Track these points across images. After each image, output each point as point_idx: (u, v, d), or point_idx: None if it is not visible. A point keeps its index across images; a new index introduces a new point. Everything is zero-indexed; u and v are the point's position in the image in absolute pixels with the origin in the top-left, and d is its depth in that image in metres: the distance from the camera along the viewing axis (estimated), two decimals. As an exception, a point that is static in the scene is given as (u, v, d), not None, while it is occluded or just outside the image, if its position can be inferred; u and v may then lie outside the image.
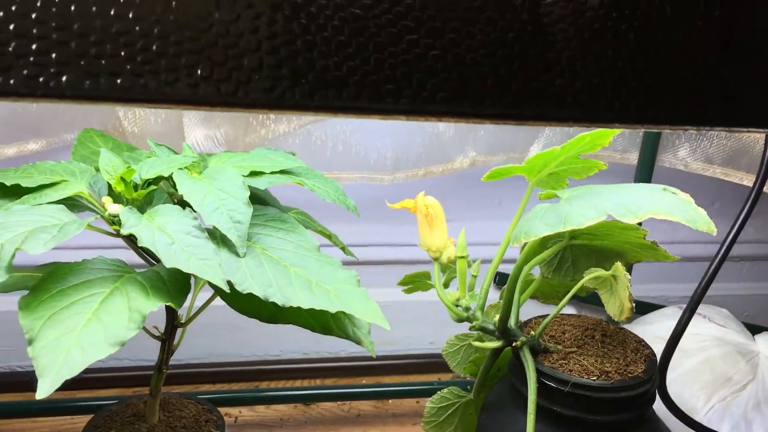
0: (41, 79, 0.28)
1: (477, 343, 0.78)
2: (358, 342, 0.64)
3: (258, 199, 0.74)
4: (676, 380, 1.20)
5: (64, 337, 0.51)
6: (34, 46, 0.28)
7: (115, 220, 0.65)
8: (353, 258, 0.88)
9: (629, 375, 0.73)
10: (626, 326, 1.11)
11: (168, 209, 0.64)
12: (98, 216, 0.66)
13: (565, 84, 0.32)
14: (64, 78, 0.29)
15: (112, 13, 0.28)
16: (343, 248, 0.85)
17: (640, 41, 0.32)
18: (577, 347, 0.78)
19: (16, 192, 0.66)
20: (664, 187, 0.64)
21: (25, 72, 0.28)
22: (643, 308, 1.40)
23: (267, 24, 0.29)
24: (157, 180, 0.68)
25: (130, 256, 0.69)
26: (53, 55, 0.28)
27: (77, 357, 0.50)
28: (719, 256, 0.88)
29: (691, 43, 0.33)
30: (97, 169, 0.69)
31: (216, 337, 1.32)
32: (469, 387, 0.85)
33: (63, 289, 0.57)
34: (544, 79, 0.32)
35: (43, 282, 0.57)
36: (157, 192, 0.72)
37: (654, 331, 1.27)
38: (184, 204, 0.67)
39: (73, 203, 0.68)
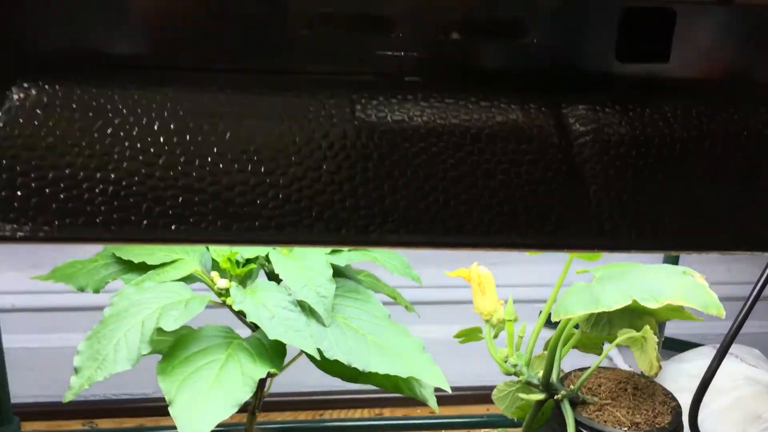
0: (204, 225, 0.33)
1: (523, 395, 0.90)
2: (424, 401, 0.77)
3: (337, 271, 0.88)
4: (708, 417, 1.30)
5: (195, 400, 0.65)
6: (196, 198, 0.33)
7: (222, 293, 0.79)
8: (415, 312, 1.01)
9: (656, 426, 0.84)
10: (664, 363, 1.22)
11: (267, 285, 0.78)
12: (210, 289, 0.80)
13: (594, 215, 0.35)
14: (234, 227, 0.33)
15: (250, 178, 0.33)
16: (406, 306, 0.98)
17: (657, 176, 0.36)
18: (611, 399, 0.89)
19: (142, 267, 0.81)
20: (684, 270, 0.75)
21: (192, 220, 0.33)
22: (680, 346, 1.49)
23: (362, 171, 0.33)
24: (255, 258, 0.82)
25: (219, 314, 0.83)
26: (209, 206, 0.32)
27: (206, 418, 0.64)
28: (752, 297, 0.96)
29: (691, 176, 0.35)
30: (207, 247, 0.83)
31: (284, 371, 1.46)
32: (516, 420, 0.97)
33: (188, 356, 0.71)
34: (577, 211, 0.34)
35: (172, 350, 0.71)
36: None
37: (689, 369, 1.37)
38: (275, 276, 0.80)
39: (188, 276, 0.82)
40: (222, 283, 0.80)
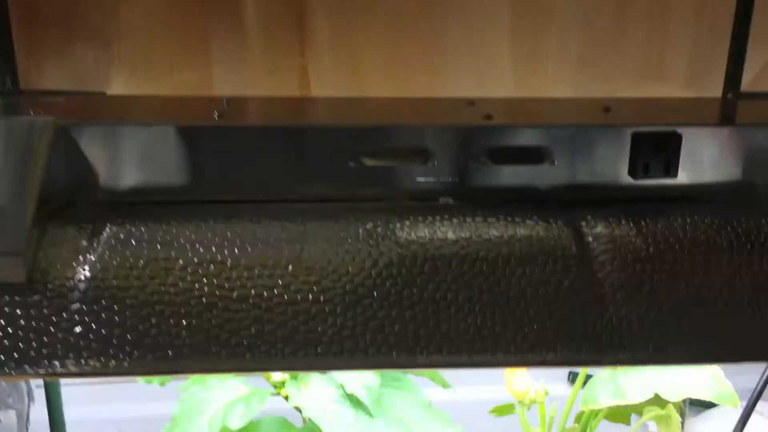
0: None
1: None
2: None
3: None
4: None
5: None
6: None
7: (278, 385, 0.87)
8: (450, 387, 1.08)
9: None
10: (691, 420, 1.27)
11: (318, 380, 0.86)
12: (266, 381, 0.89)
13: (615, 331, 0.37)
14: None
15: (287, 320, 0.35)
16: (442, 384, 1.05)
17: (671, 290, 0.37)
18: (639, 473, 0.95)
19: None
20: (702, 360, 0.82)
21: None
22: (708, 404, 1.54)
23: (408, 296, 0.36)
24: (306, 352, 0.90)
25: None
26: (278, 334, 0.35)
27: None
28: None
29: (702, 288, 0.37)
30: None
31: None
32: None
33: (254, 449, 0.79)
34: (598, 328, 0.36)
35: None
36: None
37: (716, 428, 1.42)
38: (325, 366, 0.88)
39: (245, 370, 0.90)
40: (277, 376, 0.88)
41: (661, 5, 0.53)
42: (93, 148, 0.37)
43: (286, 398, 0.87)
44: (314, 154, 0.38)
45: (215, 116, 0.40)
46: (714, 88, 0.53)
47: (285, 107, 0.48)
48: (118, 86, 0.52)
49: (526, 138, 0.40)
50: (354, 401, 0.85)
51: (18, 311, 0.33)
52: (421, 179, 0.39)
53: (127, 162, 0.37)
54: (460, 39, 0.53)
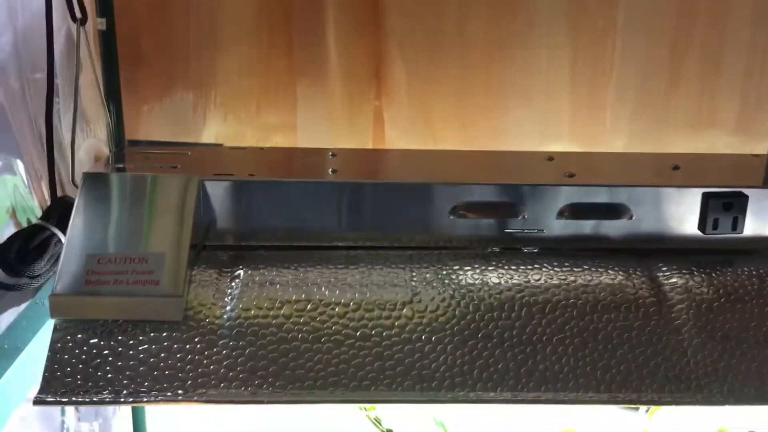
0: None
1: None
2: None
3: None
4: None
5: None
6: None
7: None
8: None
9: None
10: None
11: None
12: None
13: (692, 374, 0.38)
14: None
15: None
16: None
17: (742, 335, 0.40)
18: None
19: None
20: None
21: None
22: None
23: (508, 338, 0.38)
24: None
25: None
26: (397, 369, 0.37)
27: None
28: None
29: None
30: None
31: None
32: None
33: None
34: (677, 371, 0.38)
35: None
36: None
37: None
38: None
39: None
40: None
41: (713, 63, 0.57)
42: (224, 199, 0.42)
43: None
44: (418, 207, 0.43)
45: (330, 172, 0.45)
46: (759, 137, 0.57)
47: (380, 160, 0.53)
48: (211, 128, 0.57)
49: (607, 196, 0.44)
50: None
51: (176, 346, 0.37)
52: (511, 230, 0.44)
53: (253, 211, 0.43)
54: (523, 91, 0.57)
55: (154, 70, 0.56)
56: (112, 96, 0.54)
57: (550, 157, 0.50)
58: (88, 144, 0.54)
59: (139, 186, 0.41)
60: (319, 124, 0.58)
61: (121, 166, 0.46)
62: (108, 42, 0.52)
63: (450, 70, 0.57)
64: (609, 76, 0.57)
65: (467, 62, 0.57)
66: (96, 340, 0.37)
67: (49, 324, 0.38)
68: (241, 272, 0.41)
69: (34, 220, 0.48)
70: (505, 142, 0.58)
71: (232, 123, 0.57)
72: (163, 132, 0.57)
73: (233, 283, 0.40)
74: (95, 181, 0.41)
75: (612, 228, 0.44)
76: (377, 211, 0.43)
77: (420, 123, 0.58)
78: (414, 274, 0.42)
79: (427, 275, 0.42)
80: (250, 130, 0.58)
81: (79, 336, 0.37)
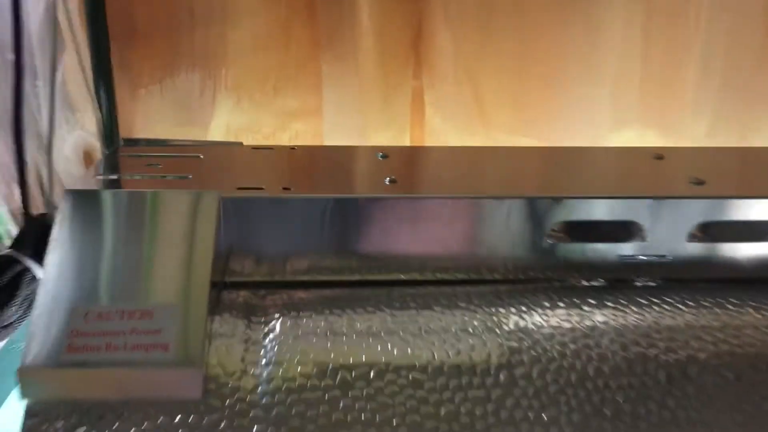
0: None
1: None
2: None
3: None
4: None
5: None
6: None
7: None
8: None
9: None
10: None
11: None
12: None
13: None
14: None
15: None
16: None
17: None
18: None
19: None
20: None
21: None
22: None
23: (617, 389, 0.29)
24: None
25: None
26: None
27: None
28: None
29: None
30: None
31: None
32: None
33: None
34: None
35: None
36: None
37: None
38: None
39: None
40: None
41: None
42: (251, 221, 0.32)
43: None
44: (506, 229, 0.33)
45: (387, 182, 0.35)
46: None
47: (442, 162, 0.41)
48: (221, 115, 0.48)
49: (758, 211, 0.33)
50: None
51: None
52: (624, 256, 0.34)
53: (289, 235, 0.33)
54: (591, 64, 0.48)
55: (152, 47, 0.47)
56: (102, 79, 0.45)
57: (659, 155, 0.40)
58: (74, 138, 0.45)
59: (140, 207, 0.31)
60: (348, 109, 0.49)
61: (115, 177, 0.35)
62: (96, 14, 0.43)
63: (505, 40, 0.48)
64: (691, 48, 0.48)
65: (526, 30, 0.47)
66: (85, 429, 0.27)
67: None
68: (278, 323, 0.31)
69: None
70: (569, 127, 0.49)
71: (245, 108, 0.48)
72: (164, 121, 0.47)
73: (268, 340, 0.30)
74: (80, 201, 0.31)
75: (762, 252, 0.34)
76: (452, 234, 0.33)
77: (468, 105, 0.49)
78: (505, 320, 0.32)
79: (523, 322, 0.32)
80: (266, 116, 0.49)
81: (61, 423, 0.27)
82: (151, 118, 0.47)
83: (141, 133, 0.47)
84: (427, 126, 0.50)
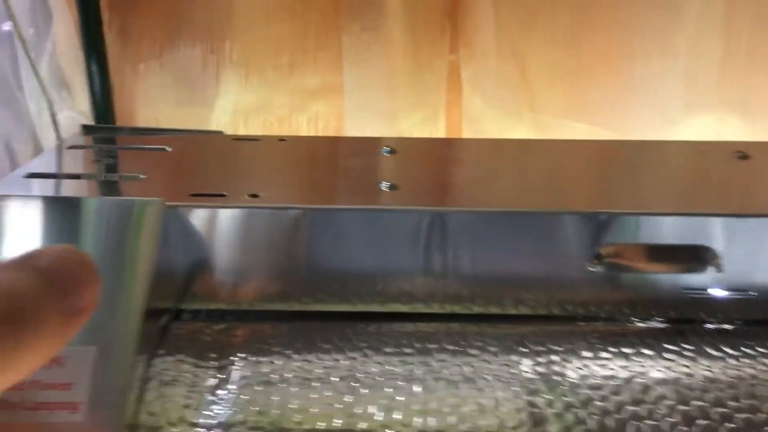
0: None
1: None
2: None
3: None
4: None
5: None
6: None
7: None
8: None
9: None
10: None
11: None
12: None
13: None
14: None
15: None
16: None
17: None
18: None
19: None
20: None
21: None
22: None
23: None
24: None
25: None
26: None
27: None
28: None
29: None
30: None
31: None
32: None
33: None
34: None
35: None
36: None
37: None
38: None
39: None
40: None
41: None
42: (208, 236, 0.26)
43: None
44: (539, 251, 0.26)
45: (385, 188, 0.28)
46: None
47: (461, 159, 0.34)
48: (227, 93, 0.42)
49: None
50: None
51: None
52: (692, 290, 0.27)
53: (250, 253, 0.27)
54: (659, 36, 0.41)
55: (150, 15, 0.41)
56: (94, 51, 0.40)
57: (743, 153, 0.32)
58: (64, 118, 0.41)
59: (57, 218, 0.25)
60: (374, 87, 0.43)
61: (47, 177, 0.28)
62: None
63: (556, 8, 0.41)
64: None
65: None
66: None
67: None
68: (236, 368, 0.25)
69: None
70: (632, 111, 0.41)
71: (255, 86, 0.43)
72: (163, 99, 0.42)
73: (221, 391, 0.24)
74: None
75: None
76: (464, 256, 0.26)
77: (512, 84, 0.42)
78: (528, 374, 0.24)
79: (553, 377, 0.24)
80: (280, 94, 0.43)
81: None
82: (148, 98, 0.42)
83: (140, 113, 0.42)
84: (464, 108, 0.43)
